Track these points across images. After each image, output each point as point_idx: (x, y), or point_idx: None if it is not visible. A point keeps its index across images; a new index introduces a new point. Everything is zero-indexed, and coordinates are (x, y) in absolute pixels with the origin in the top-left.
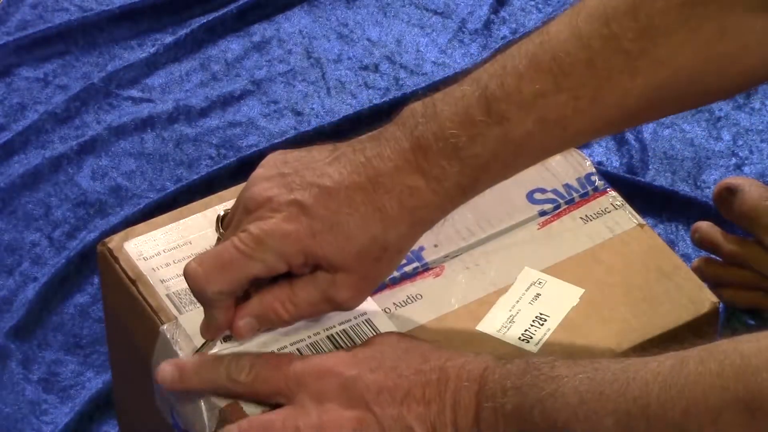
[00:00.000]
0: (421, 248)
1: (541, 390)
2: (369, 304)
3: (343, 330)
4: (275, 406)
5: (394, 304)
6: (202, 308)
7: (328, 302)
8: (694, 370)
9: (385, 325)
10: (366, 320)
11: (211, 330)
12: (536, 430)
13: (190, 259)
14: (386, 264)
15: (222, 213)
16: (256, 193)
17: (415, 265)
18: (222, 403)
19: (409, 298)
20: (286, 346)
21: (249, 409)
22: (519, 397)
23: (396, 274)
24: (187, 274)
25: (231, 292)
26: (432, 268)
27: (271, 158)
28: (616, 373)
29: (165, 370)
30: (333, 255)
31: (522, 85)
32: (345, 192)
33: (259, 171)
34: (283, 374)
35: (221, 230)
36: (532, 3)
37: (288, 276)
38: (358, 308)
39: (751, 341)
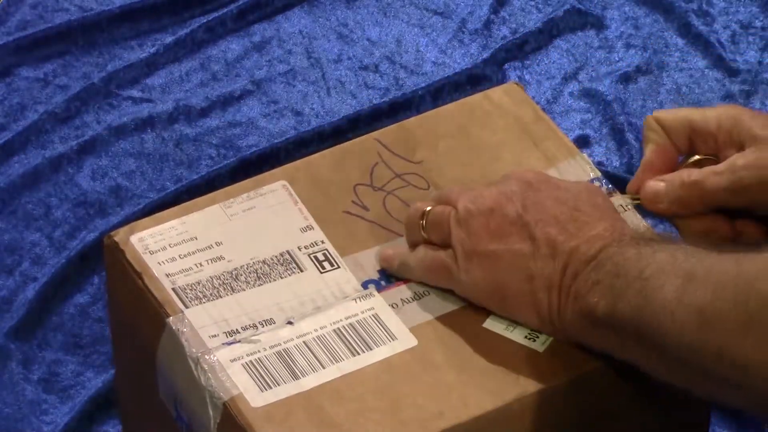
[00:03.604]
0: None
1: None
2: (376, 299)
3: (350, 324)
4: None
5: (402, 300)
6: (208, 303)
7: None
8: None
9: (392, 320)
10: (373, 315)
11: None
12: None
13: (195, 254)
14: None
15: None
16: None
17: None
18: (226, 396)
19: (416, 294)
20: (292, 339)
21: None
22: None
23: None
24: None
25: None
26: None
27: None
28: None
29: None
30: None
31: None
32: None
33: None
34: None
35: None
36: (532, 3)
37: None
38: (365, 303)
39: None
